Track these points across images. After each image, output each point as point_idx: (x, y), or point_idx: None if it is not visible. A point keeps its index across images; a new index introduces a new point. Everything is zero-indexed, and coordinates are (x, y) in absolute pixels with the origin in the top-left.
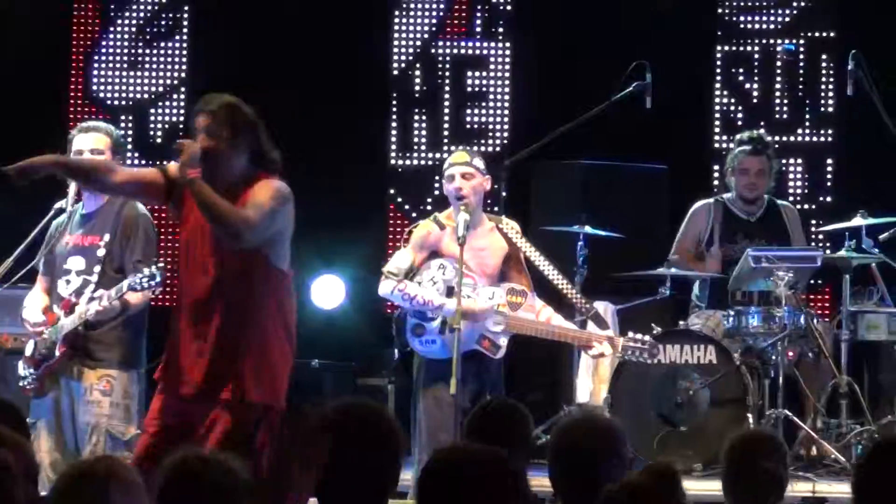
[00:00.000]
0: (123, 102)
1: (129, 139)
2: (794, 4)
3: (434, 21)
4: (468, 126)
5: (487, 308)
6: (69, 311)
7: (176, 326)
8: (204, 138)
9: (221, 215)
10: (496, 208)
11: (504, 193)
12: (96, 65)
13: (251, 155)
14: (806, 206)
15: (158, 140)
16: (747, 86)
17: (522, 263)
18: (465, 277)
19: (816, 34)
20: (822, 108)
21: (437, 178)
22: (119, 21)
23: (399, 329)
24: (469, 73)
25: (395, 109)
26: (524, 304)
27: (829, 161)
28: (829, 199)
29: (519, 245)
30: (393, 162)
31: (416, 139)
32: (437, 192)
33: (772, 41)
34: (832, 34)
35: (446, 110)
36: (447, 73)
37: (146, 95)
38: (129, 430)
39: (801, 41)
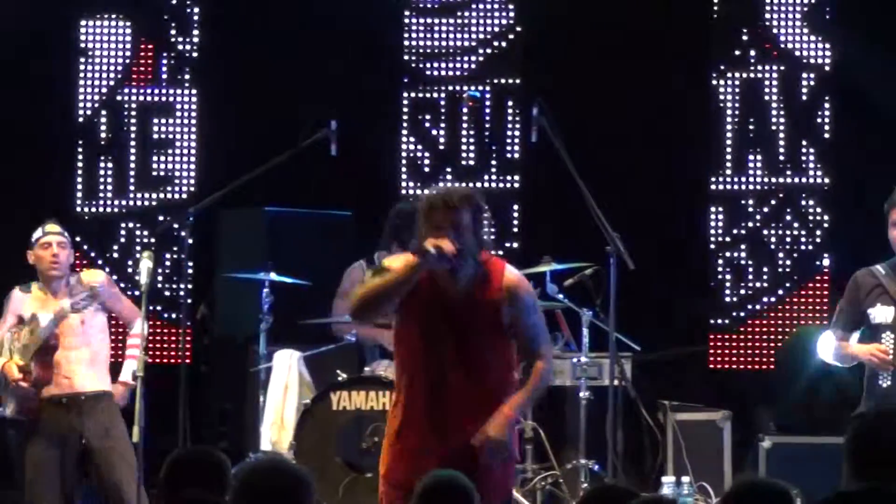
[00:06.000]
0: None
1: None
2: (480, 51)
3: (120, 68)
4: (154, 173)
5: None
6: None
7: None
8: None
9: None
10: (183, 255)
11: (190, 241)
12: None
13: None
14: (493, 253)
15: None
16: (434, 132)
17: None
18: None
19: (502, 81)
20: (509, 155)
21: (122, 224)
22: None
23: None
24: (155, 121)
25: (80, 157)
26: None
27: (516, 207)
28: (515, 245)
29: (110, 292)
30: (79, 210)
31: (101, 186)
32: (123, 240)
33: (458, 87)
34: (517, 81)
35: (132, 158)
36: (133, 121)
37: None
38: None
39: (487, 88)
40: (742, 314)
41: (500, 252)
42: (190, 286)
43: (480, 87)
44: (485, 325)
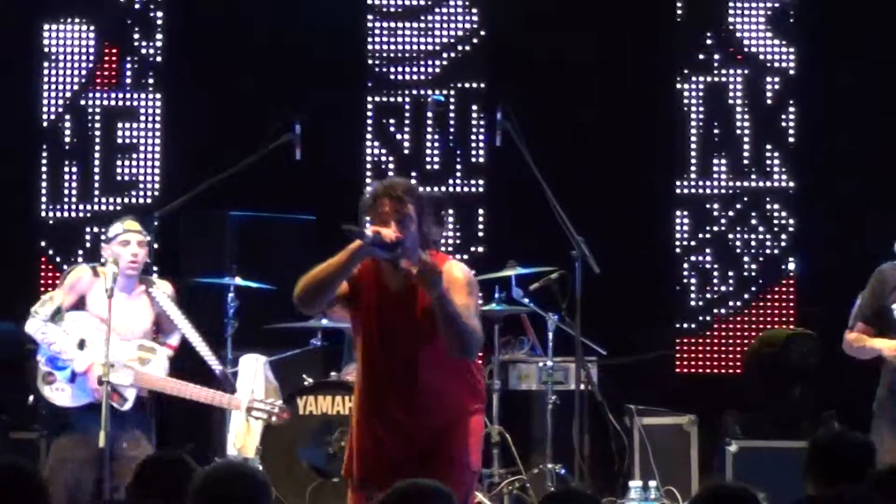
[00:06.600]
0: None
1: None
2: (444, 56)
3: (84, 72)
4: (119, 178)
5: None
6: None
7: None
8: (396, 228)
9: (465, 333)
10: (147, 260)
11: (155, 246)
12: None
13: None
14: (458, 257)
15: None
16: (398, 136)
17: (173, 322)
18: (98, 332)
19: (466, 85)
20: (473, 159)
21: (87, 229)
22: None
23: (32, 376)
24: (119, 125)
25: (45, 161)
26: (153, 360)
27: (481, 211)
28: (480, 249)
29: (165, 308)
30: (43, 214)
31: (66, 191)
32: (88, 245)
33: (422, 92)
34: (482, 85)
35: (97, 162)
36: (97, 125)
37: None
38: None
39: (452, 92)
40: (708, 318)
41: (465, 256)
42: None
43: (445, 92)
44: (426, 318)
